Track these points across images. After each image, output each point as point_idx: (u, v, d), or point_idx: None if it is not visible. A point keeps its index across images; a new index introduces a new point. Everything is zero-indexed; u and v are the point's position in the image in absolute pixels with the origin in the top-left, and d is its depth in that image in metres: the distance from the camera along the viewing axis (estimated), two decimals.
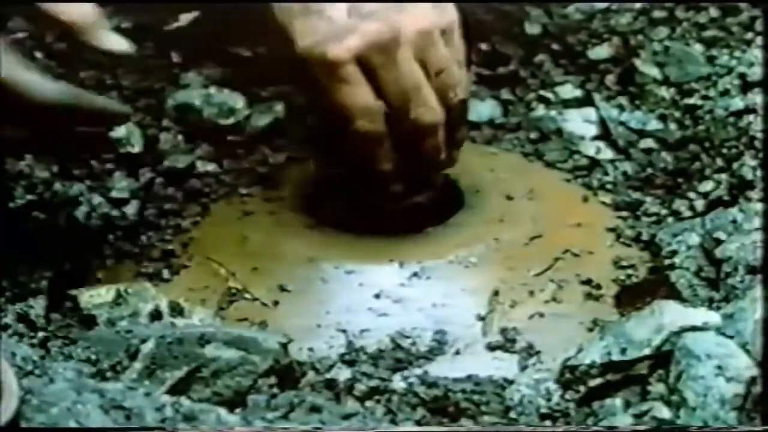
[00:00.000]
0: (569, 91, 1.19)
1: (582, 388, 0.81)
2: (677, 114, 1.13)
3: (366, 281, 0.95)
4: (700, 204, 1.03)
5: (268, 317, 0.93)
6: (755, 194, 0.99)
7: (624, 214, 1.05)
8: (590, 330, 0.91)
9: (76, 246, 1.02)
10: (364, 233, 1.00)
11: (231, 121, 1.13)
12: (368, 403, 0.83)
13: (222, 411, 0.75)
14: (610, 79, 1.18)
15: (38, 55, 1.15)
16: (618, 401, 0.79)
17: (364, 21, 0.92)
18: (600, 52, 1.20)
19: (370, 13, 0.92)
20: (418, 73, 0.93)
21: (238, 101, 1.13)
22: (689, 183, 1.07)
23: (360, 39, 0.91)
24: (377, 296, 0.93)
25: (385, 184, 0.97)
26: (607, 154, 1.12)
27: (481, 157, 1.10)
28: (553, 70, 1.20)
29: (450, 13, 0.96)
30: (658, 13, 1.20)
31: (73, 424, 0.71)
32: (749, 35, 1.15)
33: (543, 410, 0.81)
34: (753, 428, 0.74)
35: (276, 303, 0.94)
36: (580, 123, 1.15)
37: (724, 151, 1.05)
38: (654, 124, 1.13)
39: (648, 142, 1.12)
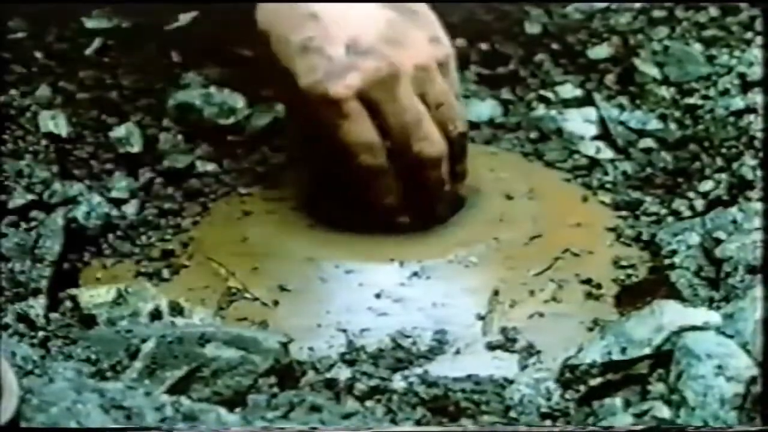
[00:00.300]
0: (569, 90, 1.19)
1: (582, 388, 0.81)
2: (677, 114, 1.13)
3: (366, 281, 0.95)
4: (699, 204, 1.03)
5: (268, 317, 0.93)
6: (755, 194, 0.99)
7: (624, 213, 1.05)
8: (590, 330, 0.91)
9: (75, 246, 1.02)
10: (364, 233, 1.00)
11: (231, 121, 1.13)
12: (368, 403, 0.83)
13: (222, 411, 0.75)
14: (609, 79, 1.18)
15: (38, 54, 1.15)
16: (618, 401, 0.79)
17: (362, 58, 0.93)
18: (600, 51, 1.20)
19: (368, 50, 0.94)
20: (419, 107, 0.95)
21: (238, 101, 1.13)
22: (689, 183, 1.07)
23: (360, 76, 0.93)
24: (377, 296, 0.93)
25: (390, 216, 0.99)
26: (607, 153, 1.12)
27: (480, 156, 1.10)
28: (553, 69, 1.20)
29: (446, 47, 0.98)
30: (657, 13, 1.20)
31: (73, 424, 0.71)
32: (749, 35, 1.15)
33: (543, 410, 0.81)
34: (753, 428, 0.74)
35: (276, 302, 0.94)
36: (580, 123, 1.15)
37: (724, 150, 1.05)
38: (654, 124, 1.13)
39: (648, 142, 1.12)
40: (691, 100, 1.12)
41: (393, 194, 0.98)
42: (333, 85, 0.93)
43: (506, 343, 0.90)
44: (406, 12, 0.97)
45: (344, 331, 0.91)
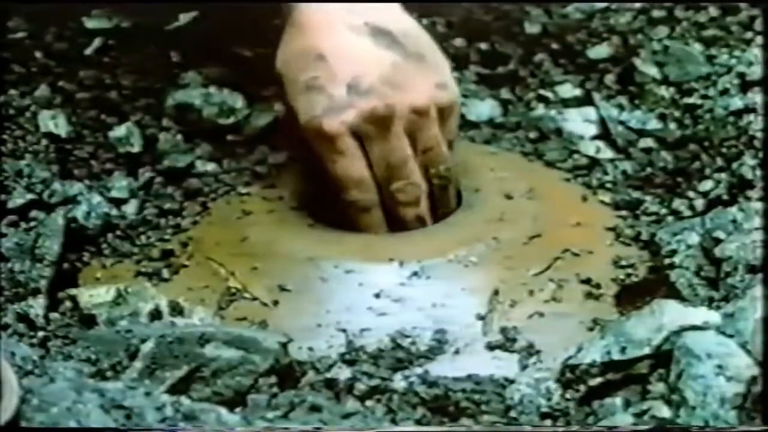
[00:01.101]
0: (569, 90, 1.19)
1: (582, 388, 0.81)
2: (677, 113, 1.13)
3: (366, 280, 0.95)
4: (699, 203, 1.03)
5: (268, 317, 0.93)
6: (755, 193, 0.99)
7: (623, 213, 1.05)
8: (590, 329, 0.91)
9: (75, 246, 1.02)
10: (363, 232, 1.00)
11: (230, 120, 1.13)
12: (368, 403, 0.83)
13: (222, 410, 0.75)
14: (609, 79, 1.18)
15: (37, 54, 1.15)
16: (618, 400, 0.79)
17: (361, 97, 0.97)
18: (600, 51, 1.20)
19: (368, 90, 0.97)
20: (407, 149, 0.98)
21: (238, 101, 1.13)
22: (689, 182, 1.07)
23: (355, 113, 0.97)
24: (377, 296, 0.93)
25: None
26: (607, 153, 1.12)
27: (480, 156, 1.10)
28: (553, 69, 1.20)
29: (451, 93, 1.01)
30: (657, 13, 1.20)
31: (73, 424, 0.71)
32: (749, 34, 1.15)
33: (543, 409, 0.81)
34: (753, 428, 0.74)
35: (276, 302, 0.94)
36: (579, 122, 1.15)
37: (724, 150, 1.05)
38: (653, 124, 1.13)
39: (647, 142, 1.12)
40: (690, 100, 1.12)
41: (377, 230, 1.00)
42: (328, 121, 0.97)
43: (506, 342, 0.90)
44: (413, 56, 1.00)
45: (344, 331, 0.91)
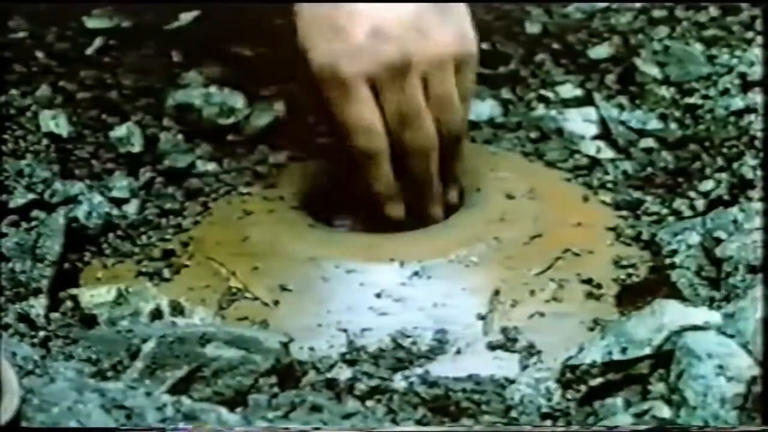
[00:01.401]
0: (569, 90, 1.19)
1: (583, 388, 0.81)
2: (677, 113, 1.13)
3: (367, 280, 0.95)
4: (700, 203, 1.03)
5: (268, 316, 0.93)
6: (756, 193, 0.99)
7: (624, 213, 1.05)
8: (591, 329, 0.91)
9: (76, 245, 1.02)
10: (364, 232, 1.00)
11: (231, 120, 1.13)
12: (369, 403, 0.83)
13: (223, 410, 0.75)
14: (610, 79, 1.18)
15: (38, 54, 1.15)
16: (619, 401, 0.79)
17: (380, 43, 0.95)
18: (600, 51, 1.20)
19: (388, 36, 0.95)
20: (420, 99, 0.97)
21: (238, 101, 1.13)
22: (690, 182, 1.07)
23: (373, 60, 0.94)
24: (378, 295, 0.93)
25: (381, 207, 1.00)
26: (608, 153, 1.12)
27: (481, 156, 1.10)
28: (554, 69, 1.20)
29: (471, 45, 0.99)
30: (658, 13, 1.20)
31: (73, 424, 0.71)
32: (749, 34, 1.15)
33: (544, 410, 0.81)
34: (753, 428, 0.74)
35: (277, 302, 0.94)
36: (580, 122, 1.15)
37: (725, 150, 1.05)
38: (654, 124, 1.13)
39: (648, 142, 1.12)
40: (691, 100, 1.12)
41: (384, 183, 0.98)
42: (347, 66, 0.94)
43: (507, 342, 0.90)
44: (439, 7, 0.97)
45: (345, 330, 0.91)
